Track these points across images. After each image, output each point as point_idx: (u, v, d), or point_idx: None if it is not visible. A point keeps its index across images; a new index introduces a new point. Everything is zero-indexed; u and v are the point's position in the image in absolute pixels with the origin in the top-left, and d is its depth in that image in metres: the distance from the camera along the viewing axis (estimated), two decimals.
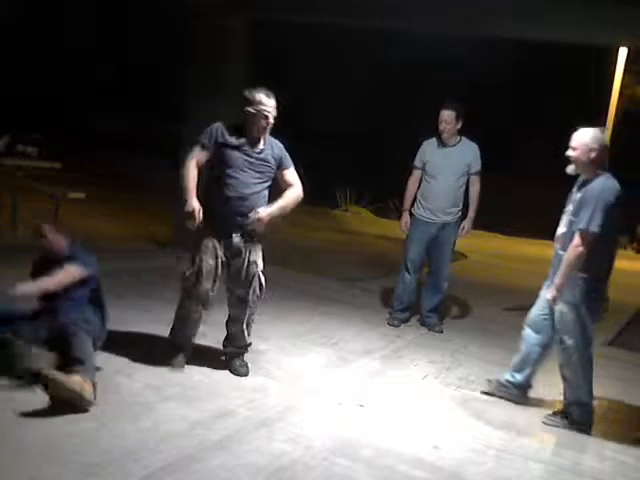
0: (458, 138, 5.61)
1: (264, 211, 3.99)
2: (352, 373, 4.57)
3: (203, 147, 3.99)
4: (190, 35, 7.93)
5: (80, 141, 14.19)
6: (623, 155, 15.84)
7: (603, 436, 3.98)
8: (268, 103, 3.96)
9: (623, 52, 15.68)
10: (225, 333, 4.30)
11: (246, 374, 4.20)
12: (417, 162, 5.73)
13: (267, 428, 3.51)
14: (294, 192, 4.16)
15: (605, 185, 3.85)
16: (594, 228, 3.77)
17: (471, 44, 13.22)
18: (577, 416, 3.99)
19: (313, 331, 5.36)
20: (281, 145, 4.15)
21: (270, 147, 4.08)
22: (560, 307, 3.99)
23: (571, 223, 3.92)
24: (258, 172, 4.02)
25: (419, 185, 5.74)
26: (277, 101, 4.03)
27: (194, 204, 3.88)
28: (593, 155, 3.87)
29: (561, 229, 4.07)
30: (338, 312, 6.03)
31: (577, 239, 3.82)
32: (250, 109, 3.95)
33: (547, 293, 4.07)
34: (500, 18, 6.79)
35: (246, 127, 4.01)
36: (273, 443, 3.36)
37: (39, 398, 3.43)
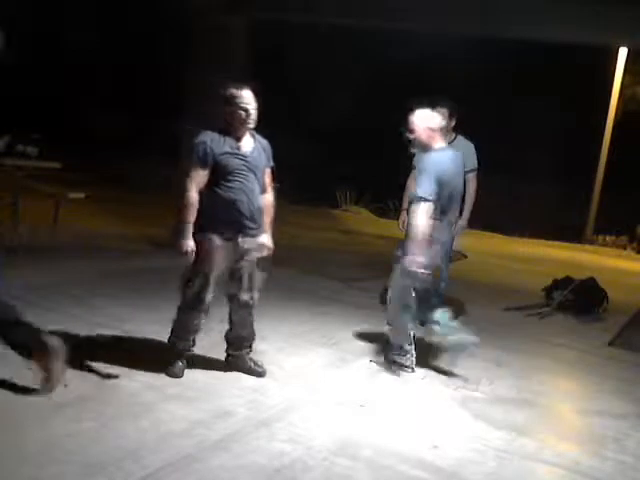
0: (453, 136, 5.59)
1: (267, 239, 4.13)
2: (352, 373, 4.57)
3: (201, 167, 3.90)
4: (190, 35, 7.93)
5: (80, 141, 14.19)
6: (622, 155, 15.92)
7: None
8: (244, 95, 3.92)
9: (623, 52, 15.70)
10: (227, 340, 4.24)
11: (264, 373, 4.22)
12: (414, 162, 5.74)
13: (267, 428, 3.51)
14: (271, 201, 4.22)
15: (435, 157, 4.30)
16: (423, 194, 4.18)
17: (471, 44, 13.22)
18: (397, 359, 4.57)
19: (313, 331, 5.35)
20: (267, 143, 4.16)
21: (259, 146, 4.08)
22: (396, 266, 4.43)
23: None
24: (254, 172, 4.01)
25: None
26: (254, 93, 3.97)
27: (190, 245, 3.87)
28: (431, 134, 4.35)
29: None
30: (338, 312, 6.03)
31: (413, 207, 4.25)
32: (227, 108, 3.91)
33: (404, 263, 4.31)
34: (500, 18, 6.80)
35: (231, 128, 3.96)
36: (273, 443, 3.36)
37: (39, 398, 3.44)
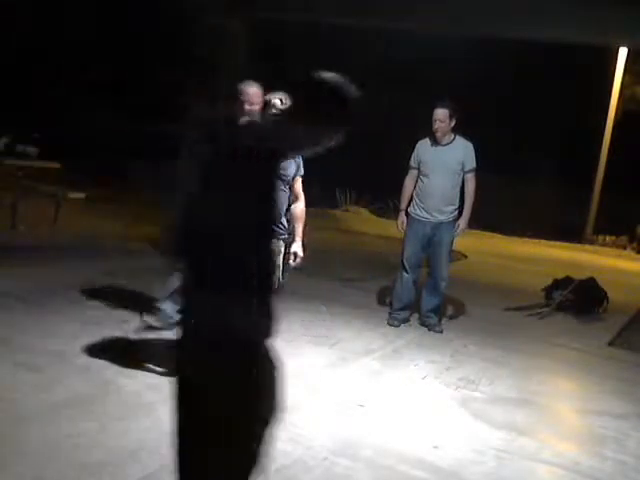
0: (452, 137, 5.60)
1: (298, 248, 4.15)
2: (352, 373, 4.58)
3: None
4: (190, 35, 7.94)
5: (80, 141, 14.18)
6: (622, 155, 15.92)
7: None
8: (246, 90, 3.96)
9: (623, 52, 15.71)
10: None
11: None
12: (412, 162, 5.75)
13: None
14: (302, 210, 4.27)
15: None
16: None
17: (471, 44, 13.22)
18: None
19: (313, 331, 5.35)
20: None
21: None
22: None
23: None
24: (282, 179, 3.99)
25: (415, 185, 5.76)
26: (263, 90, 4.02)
27: None
28: (262, 106, 4.58)
29: None
30: (338, 312, 6.03)
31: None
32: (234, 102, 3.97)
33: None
34: (500, 18, 6.80)
35: None
36: (273, 443, 3.36)
37: (39, 398, 3.44)
